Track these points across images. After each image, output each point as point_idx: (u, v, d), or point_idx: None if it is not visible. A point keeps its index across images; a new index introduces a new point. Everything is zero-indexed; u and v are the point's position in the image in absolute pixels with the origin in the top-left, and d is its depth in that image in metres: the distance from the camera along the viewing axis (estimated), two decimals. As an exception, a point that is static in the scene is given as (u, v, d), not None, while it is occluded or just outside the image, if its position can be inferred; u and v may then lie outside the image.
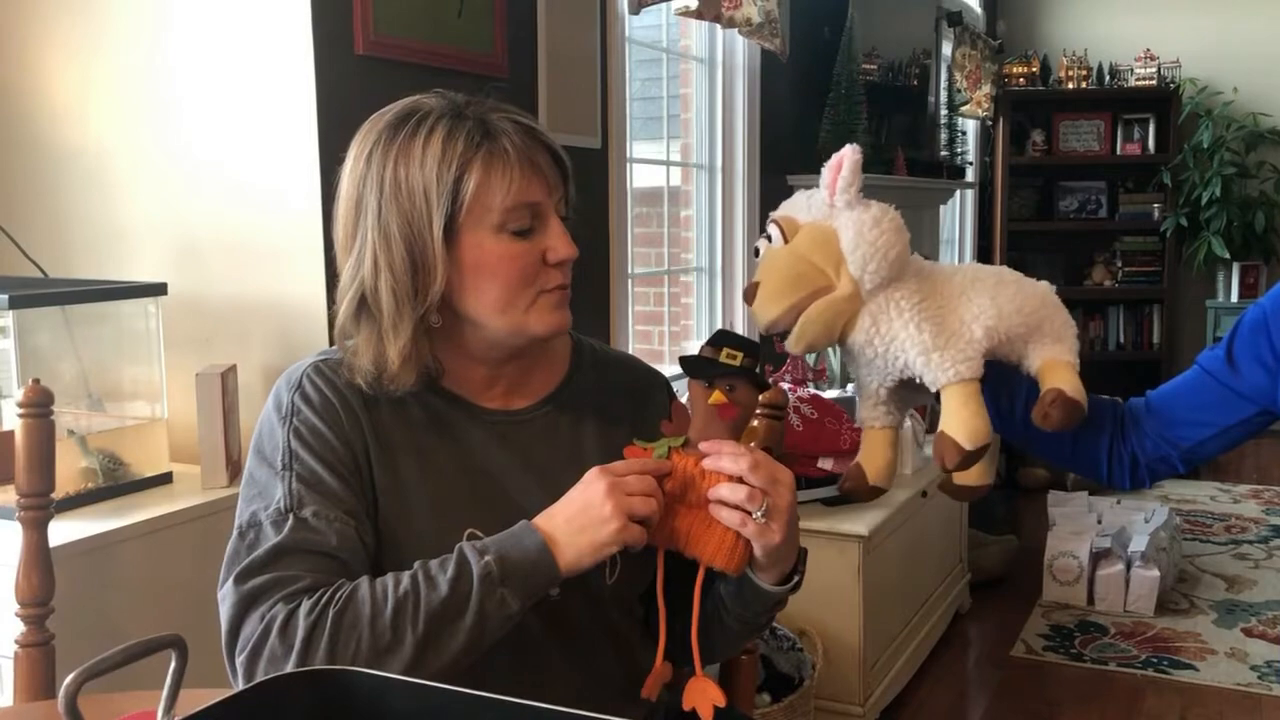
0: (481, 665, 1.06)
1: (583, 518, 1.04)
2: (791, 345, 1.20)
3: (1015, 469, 4.82)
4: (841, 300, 1.18)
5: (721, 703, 1.11)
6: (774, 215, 1.23)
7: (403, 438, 1.14)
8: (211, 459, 1.94)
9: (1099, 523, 3.79)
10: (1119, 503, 4.15)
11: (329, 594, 1.02)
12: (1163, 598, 3.51)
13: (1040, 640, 3.30)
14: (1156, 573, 3.47)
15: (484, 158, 1.08)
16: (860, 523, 2.58)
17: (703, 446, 1.11)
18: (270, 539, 1.06)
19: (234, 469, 1.98)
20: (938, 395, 1.21)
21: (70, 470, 1.83)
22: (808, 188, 1.24)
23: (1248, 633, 3.34)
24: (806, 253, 1.19)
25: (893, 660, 2.83)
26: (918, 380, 1.21)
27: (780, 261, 1.19)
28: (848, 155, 1.19)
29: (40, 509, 1.39)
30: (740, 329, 4.03)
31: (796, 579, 1.19)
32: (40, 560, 1.40)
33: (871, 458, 1.30)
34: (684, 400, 1.18)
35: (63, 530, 1.65)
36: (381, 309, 1.10)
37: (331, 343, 2.05)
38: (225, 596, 1.05)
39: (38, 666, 1.39)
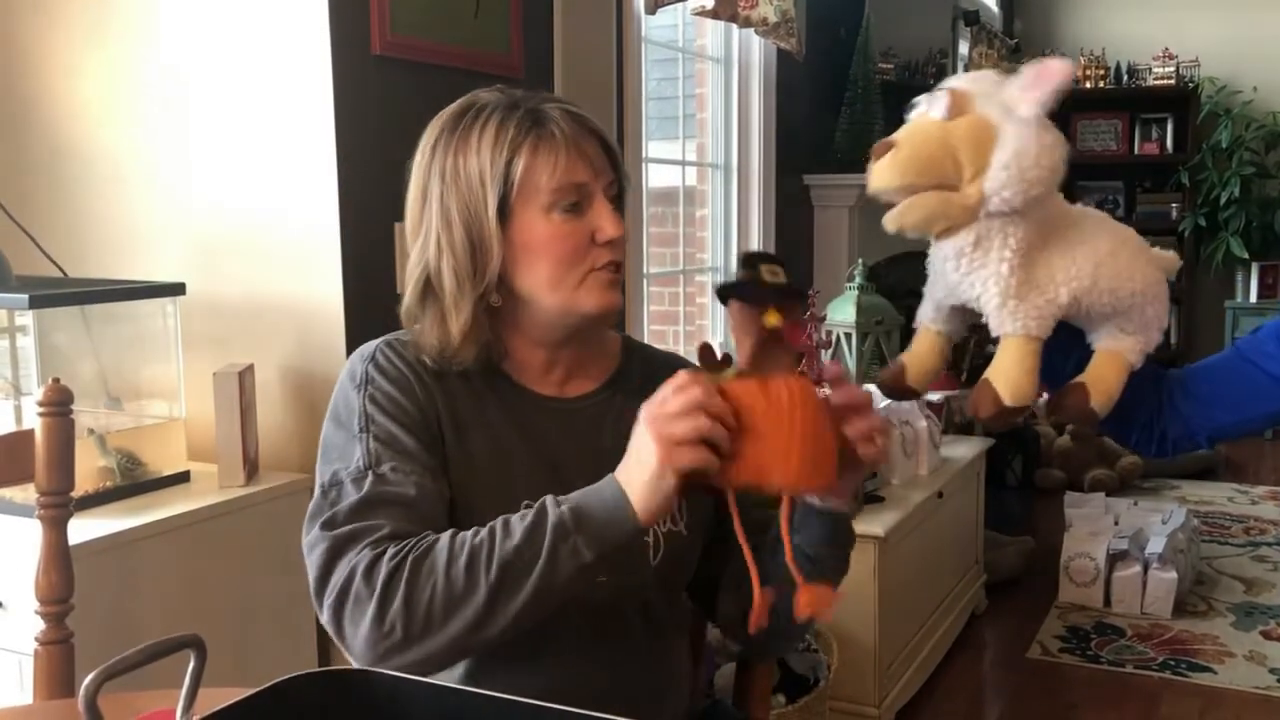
0: (515, 651, 1.10)
1: (633, 457, 1.04)
2: (888, 221, 1.14)
3: (1032, 470, 4.80)
4: (957, 207, 1.12)
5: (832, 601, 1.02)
6: (955, 83, 1.14)
7: (470, 413, 1.20)
8: (229, 458, 1.95)
9: (1116, 524, 3.77)
10: (1136, 504, 4.12)
11: (413, 542, 1.06)
12: (1180, 600, 3.48)
13: (1056, 642, 3.29)
14: (1174, 574, 3.45)
15: (532, 141, 1.15)
16: (876, 523, 2.57)
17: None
18: (352, 495, 1.10)
19: (251, 468, 1.99)
20: (996, 339, 1.16)
21: (89, 469, 1.84)
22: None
23: (1266, 635, 3.31)
24: (957, 142, 1.10)
25: (908, 662, 2.82)
26: (982, 319, 1.17)
27: (926, 137, 1.12)
28: (1058, 70, 1.09)
29: (60, 507, 1.40)
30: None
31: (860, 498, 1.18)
32: (60, 558, 1.40)
33: (917, 359, 1.26)
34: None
35: (81, 529, 1.66)
36: (444, 288, 1.17)
37: (348, 343, 2.06)
38: (314, 544, 1.09)
39: (57, 664, 1.40)
